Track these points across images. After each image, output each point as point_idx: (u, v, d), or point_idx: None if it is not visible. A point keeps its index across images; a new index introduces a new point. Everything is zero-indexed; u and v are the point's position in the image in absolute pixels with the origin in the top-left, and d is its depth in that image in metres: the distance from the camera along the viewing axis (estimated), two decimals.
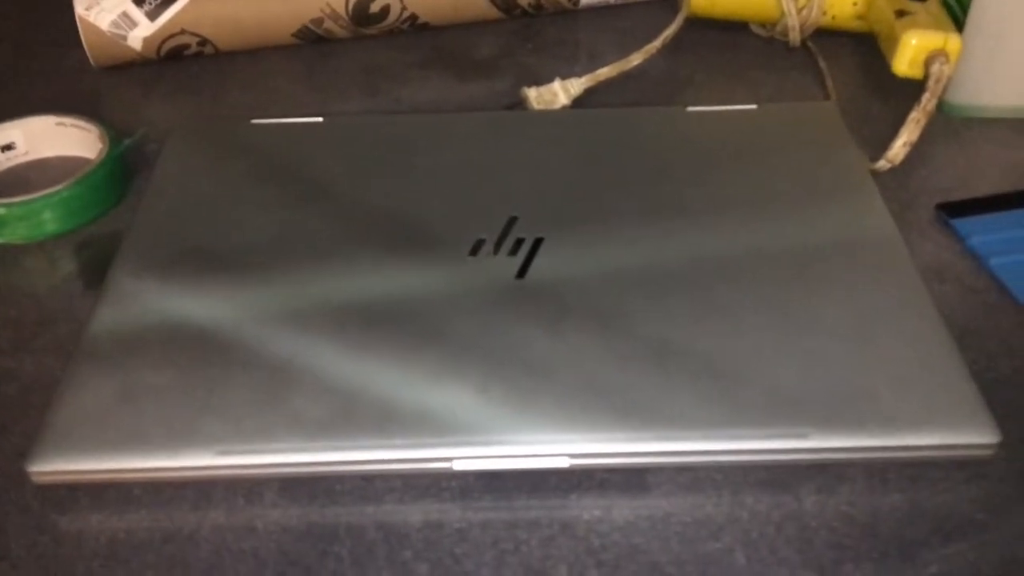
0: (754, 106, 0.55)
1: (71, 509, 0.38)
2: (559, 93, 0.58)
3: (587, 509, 0.38)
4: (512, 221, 0.47)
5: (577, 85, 0.58)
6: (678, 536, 0.37)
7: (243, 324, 0.42)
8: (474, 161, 0.51)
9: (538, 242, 0.45)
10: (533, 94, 0.58)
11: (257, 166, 0.51)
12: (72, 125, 0.54)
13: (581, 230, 0.46)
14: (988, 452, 0.38)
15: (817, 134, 0.53)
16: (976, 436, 0.38)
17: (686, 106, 0.55)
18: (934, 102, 0.53)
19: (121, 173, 0.53)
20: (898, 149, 0.53)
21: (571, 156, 0.51)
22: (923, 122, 0.53)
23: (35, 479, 0.37)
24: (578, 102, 0.59)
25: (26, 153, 0.55)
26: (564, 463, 0.37)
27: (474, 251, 0.45)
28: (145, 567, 0.36)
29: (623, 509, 0.38)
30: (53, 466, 0.37)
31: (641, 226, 0.47)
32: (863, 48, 0.63)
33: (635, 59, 0.59)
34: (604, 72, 0.58)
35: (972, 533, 0.37)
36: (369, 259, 0.45)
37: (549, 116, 0.57)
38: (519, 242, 0.45)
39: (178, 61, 0.63)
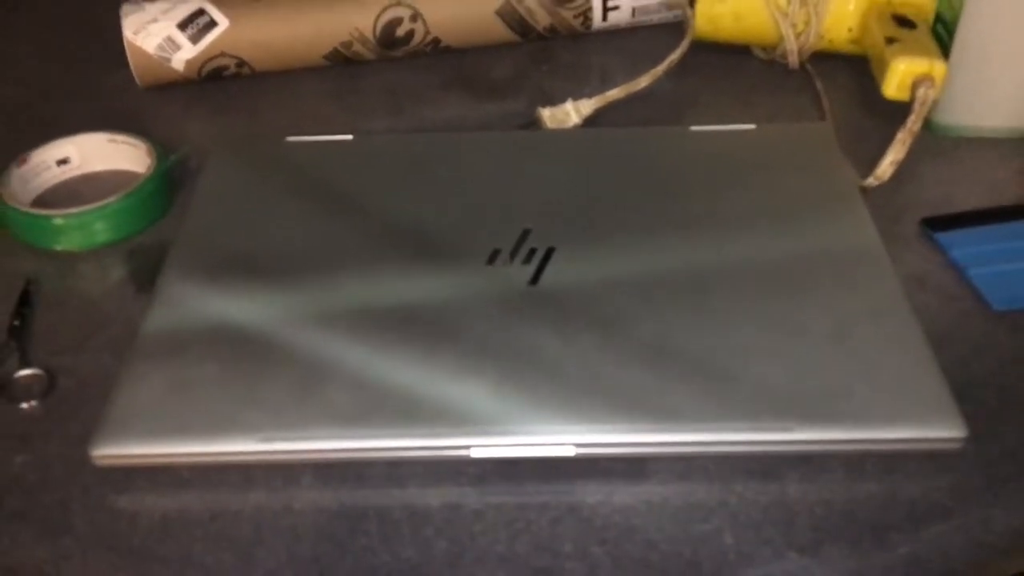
0: (753, 126, 0.59)
1: (127, 489, 0.42)
2: (571, 113, 0.62)
3: (591, 494, 0.42)
4: (526, 233, 0.51)
5: (588, 106, 0.62)
6: (672, 518, 0.41)
7: (281, 325, 0.46)
8: (491, 177, 0.55)
9: (550, 252, 0.49)
10: (547, 114, 0.62)
11: (292, 181, 0.55)
12: (123, 142, 0.58)
13: (590, 241, 0.50)
14: (956, 445, 0.42)
15: (811, 153, 0.57)
16: (945, 430, 0.41)
17: (689, 126, 0.59)
18: (919, 124, 0.57)
19: (167, 187, 0.57)
20: (885, 167, 0.57)
21: (581, 173, 0.55)
22: (908, 142, 0.57)
23: (96, 462, 0.42)
24: (589, 121, 0.63)
25: (79, 167, 0.59)
26: (570, 452, 0.41)
27: (491, 260, 0.49)
28: (194, 541, 0.40)
29: (623, 494, 0.42)
30: (113, 450, 0.41)
31: (644, 238, 0.51)
32: (859, 70, 0.67)
33: (642, 81, 0.63)
34: (613, 94, 0.63)
35: (941, 519, 0.40)
36: (395, 267, 0.49)
37: (561, 135, 0.61)
38: (532, 252, 0.49)
39: (217, 81, 0.68)
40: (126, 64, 0.66)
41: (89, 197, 0.55)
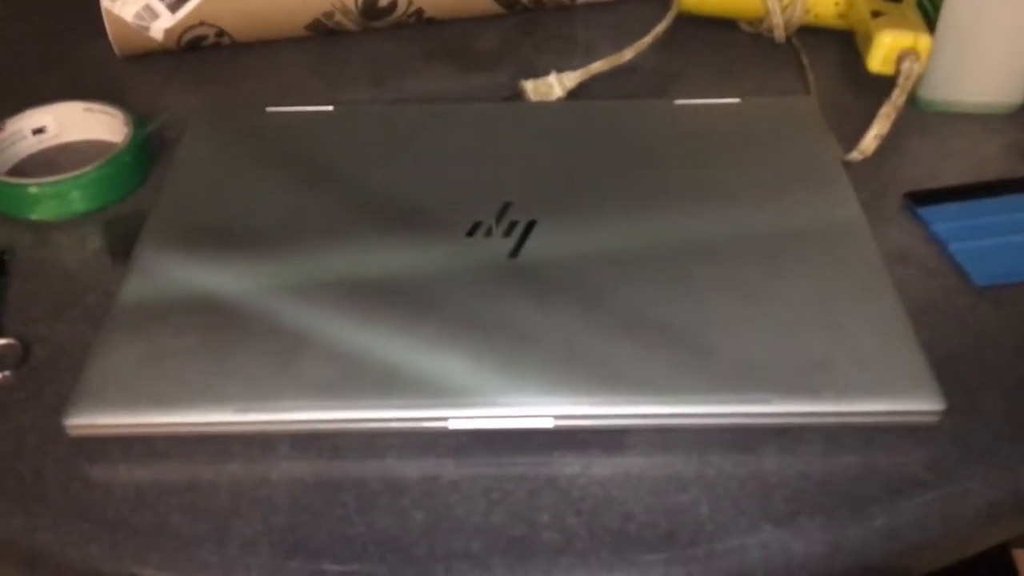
0: (737, 100, 0.58)
1: (101, 459, 0.42)
2: (554, 85, 0.61)
3: (569, 465, 0.41)
4: (507, 205, 0.50)
5: (572, 78, 0.62)
6: (650, 490, 0.40)
7: (258, 296, 0.46)
8: (473, 149, 0.55)
9: (531, 225, 0.49)
10: (530, 86, 0.61)
11: (272, 151, 0.55)
12: (99, 111, 0.58)
13: (571, 214, 0.50)
14: (934, 419, 0.42)
15: (795, 127, 0.57)
16: (923, 403, 0.41)
17: (674, 99, 0.58)
18: (904, 98, 0.57)
19: (145, 156, 0.57)
20: (869, 141, 0.56)
21: (564, 146, 0.55)
22: (893, 116, 0.56)
23: (70, 432, 0.41)
24: (572, 94, 0.62)
25: (56, 136, 0.59)
26: (549, 424, 0.41)
27: (471, 232, 0.49)
28: (170, 511, 0.40)
29: (602, 466, 0.41)
30: (86, 420, 0.41)
31: (626, 211, 0.50)
32: (845, 45, 0.66)
33: (627, 54, 0.62)
34: (597, 66, 0.62)
35: (918, 491, 0.40)
36: (374, 238, 0.49)
37: (544, 108, 0.61)
38: (513, 224, 0.49)
39: (196, 51, 0.67)
40: (104, 34, 0.65)
41: (66, 167, 0.54)
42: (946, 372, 0.44)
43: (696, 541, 0.39)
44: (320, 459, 0.42)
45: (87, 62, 0.68)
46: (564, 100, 0.62)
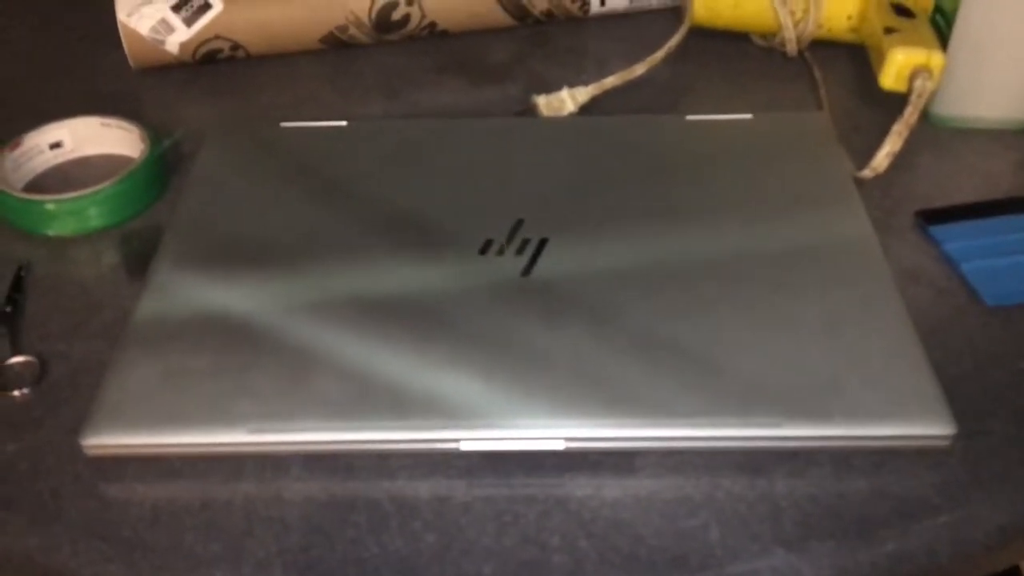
0: (749, 116, 0.58)
1: (118, 479, 0.42)
2: (567, 100, 0.62)
3: (580, 487, 0.42)
4: (519, 223, 0.51)
5: (584, 93, 0.62)
6: (660, 513, 0.41)
7: (271, 313, 0.46)
8: (485, 165, 0.55)
9: (543, 243, 0.49)
10: (543, 101, 0.62)
11: (286, 167, 0.55)
12: (116, 126, 0.58)
13: (583, 232, 0.50)
14: (945, 443, 0.42)
15: (807, 143, 0.57)
16: (934, 428, 0.41)
17: (685, 114, 0.59)
18: (916, 116, 0.57)
19: (161, 171, 0.57)
20: (881, 159, 0.56)
21: (576, 162, 0.55)
22: (905, 134, 0.56)
23: (87, 451, 0.42)
24: (585, 108, 0.63)
25: (72, 151, 0.59)
26: (560, 445, 0.42)
27: (483, 250, 0.49)
28: (184, 530, 0.40)
29: (612, 488, 0.42)
30: (104, 440, 0.42)
31: (638, 228, 0.51)
32: (858, 59, 0.66)
33: (639, 69, 0.63)
34: (610, 81, 0.62)
35: (928, 515, 0.41)
36: (387, 256, 0.49)
37: (556, 123, 0.61)
38: (525, 242, 0.49)
39: (211, 64, 0.67)
40: (120, 45, 0.66)
41: (82, 181, 0.55)
42: (956, 394, 0.44)
43: (706, 565, 0.39)
44: (333, 480, 0.42)
45: (102, 74, 0.68)
46: (576, 115, 0.62)
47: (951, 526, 0.40)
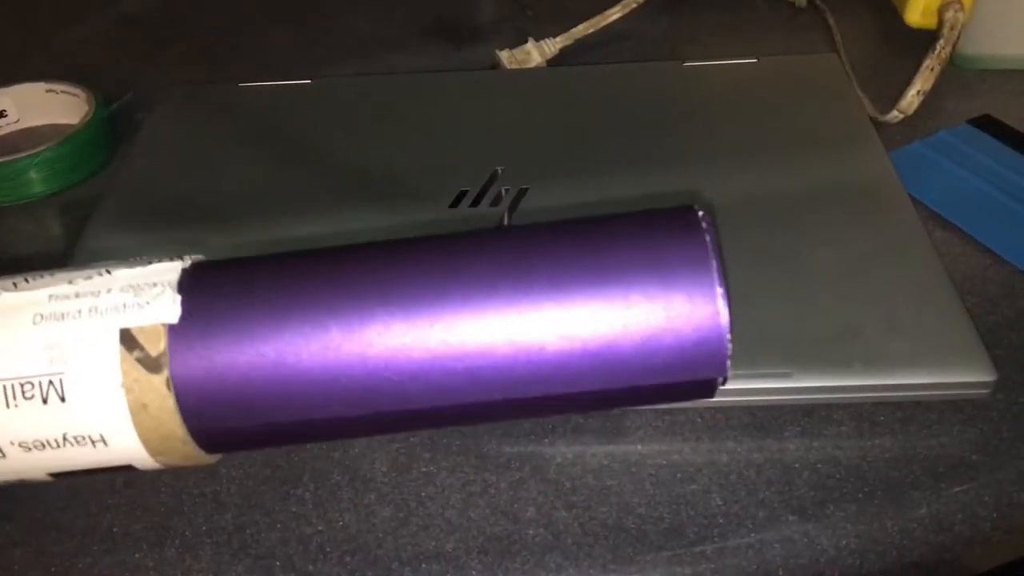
0: (754, 60, 0.53)
1: None
2: (532, 53, 0.56)
3: (559, 453, 0.36)
4: (494, 175, 0.45)
5: (552, 45, 0.57)
6: (652, 479, 0.35)
7: None
8: (458, 119, 0.50)
9: (522, 193, 0.44)
10: (505, 55, 0.56)
11: (244, 127, 0.50)
12: (62, 91, 0.54)
13: (569, 182, 0.45)
14: (984, 392, 0.36)
15: (819, 86, 0.51)
16: (971, 374, 0.35)
17: (683, 61, 0.53)
18: (948, 49, 0.51)
19: (108, 136, 0.53)
20: (911, 98, 0.51)
21: (559, 112, 0.50)
22: (937, 70, 0.51)
23: None
24: (557, 63, 0.57)
25: (17, 121, 0.55)
26: None
27: (455, 203, 0.44)
28: (104, 510, 0.35)
29: (597, 454, 0.36)
30: None
31: (633, 176, 0.45)
32: (873, 6, 0.61)
33: (613, 14, 0.57)
34: (579, 30, 0.57)
35: (966, 475, 0.35)
36: (352, 212, 0.44)
37: (536, 74, 0.56)
38: (502, 193, 0.44)
39: (176, 34, 0.63)
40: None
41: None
42: (994, 341, 0.38)
43: (706, 536, 0.33)
44: (277, 451, 0.37)
45: (61, 47, 0.64)
46: (560, 66, 0.57)
47: (994, 487, 0.34)
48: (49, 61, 0.63)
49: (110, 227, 0.44)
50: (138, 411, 0.27)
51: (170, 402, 0.27)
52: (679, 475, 0.35)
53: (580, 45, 0.58)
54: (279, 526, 0.34)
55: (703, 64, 0.53)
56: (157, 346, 0.27)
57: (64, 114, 0.54)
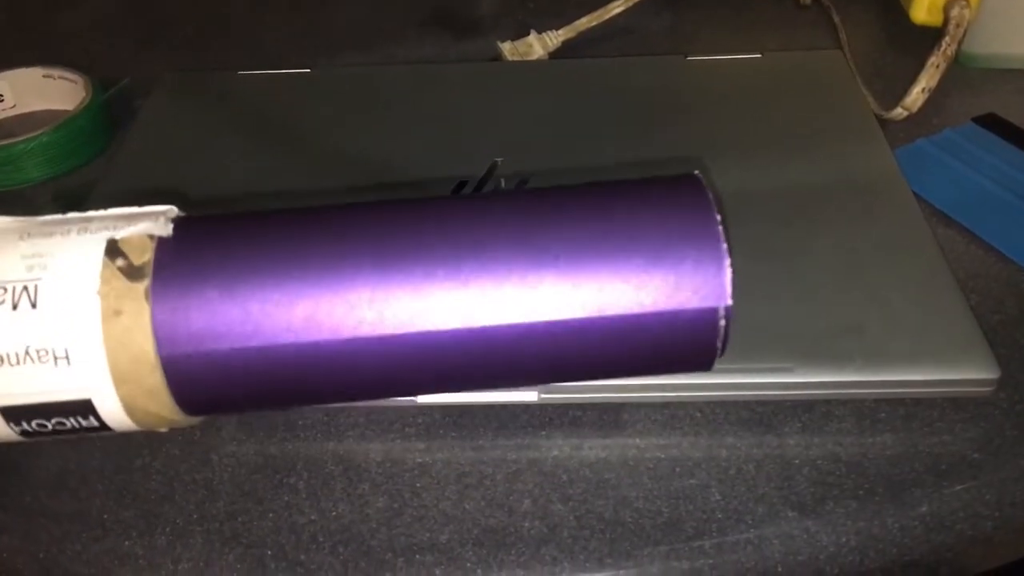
0: (758, 55, 0.53)
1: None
2: (534, 45, 0.56)
3: (556, 446, 0.36)
4: (494, 165, 0.45)
5: (555, 38, 0.56)
6: (650, 473, 0.35)
7: None
8: (458, 110, 0.49)
9: (522, 183, 0.44)
10: (507, 47, 0.56)
11: (242, 115, 0.50)
12: (59, 77, 0.53)
13: (571, 173, 0.45)
14: (987, 390, 0.35)
15: (823, 81, 0.51)
16: (974, 371, 0.35)
17: (686, 56, 0.53)
18: (954, 47, 0.51)
19: (105, 122, 0.52)
20: (916, 95, 0.50)
21: (561, 104, 0.49)
22: (942, 68, 0.50)
23: None
24: (559, 55, 0.57)
25: (14, 106, 0.54)
26: (532, 397, 0.36)
27: (455, 192, 0.44)
28: (93, 496, 0.35)
29: (595, 446, 0.36)
30: None
31: (631, 169, 0.45)
32: (877, 2, 0.61)
33: (616, 7, 0.56)
34: (582, 23, 0.56)
35: (968, 474, 0.34)
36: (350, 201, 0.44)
37: (537, 66, 0.55)
38: (501, 183, 0.44)
39: (175, 22, 0.63)
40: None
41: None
42: (998, 339, 0.38)
43: (704, 532, 0.33)
44: (271, 440, 0.36)
45: (57, 32, 0.64)
46: (562, 59, 0.56)
47: (996, 487, 0.34)
48: (46, 46, 0.63)
49: None
50: (110, 318, 0.26)
51: (145, 314, 0.26)
52: (678, 469, 0.35)
53: (582, 38, 0.57)
54: (271, 515, 0.34)
55: (706, 59, 0.52)
56: (142, 256, 0.26)
57: (61, 100, 0.54)
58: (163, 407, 0.27)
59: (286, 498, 0.34)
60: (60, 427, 0.27)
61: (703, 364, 0.29)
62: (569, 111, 0.49)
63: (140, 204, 0.30)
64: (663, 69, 0.52)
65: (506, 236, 0.27)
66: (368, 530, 0.33)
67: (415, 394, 0.32)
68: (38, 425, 0.27)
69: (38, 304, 0.26)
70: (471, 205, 0.29)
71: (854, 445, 0.35)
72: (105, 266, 0.26)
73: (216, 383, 0.27)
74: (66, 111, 0.52)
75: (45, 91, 0.54)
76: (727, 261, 0.27)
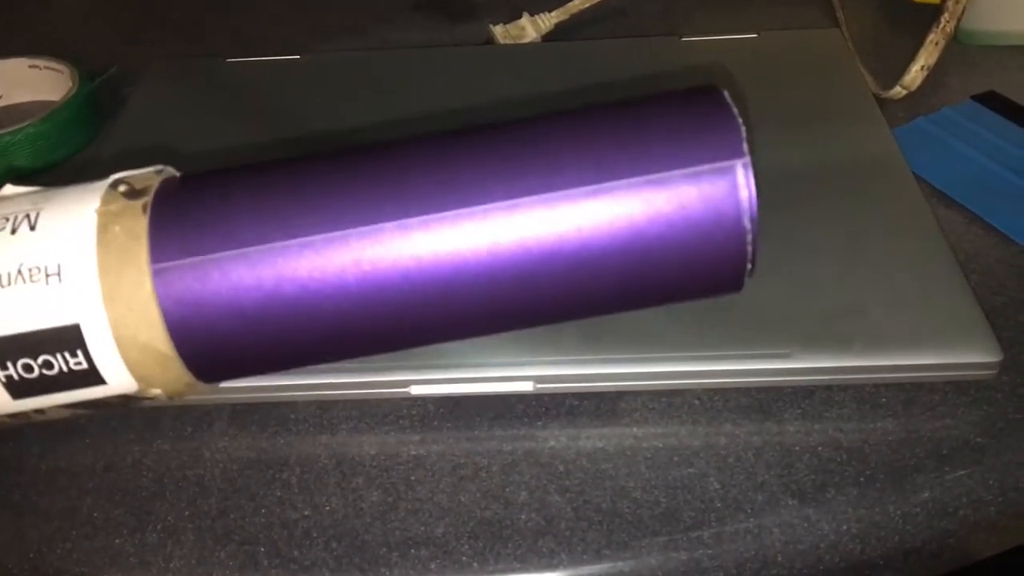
0: (754, 35, 0.52)
1: (10, 437, 0.36)
2: (527, 27, 0.55)
3: (553, 437, 0.35)
4: None
5: (548, 20, 0.55)
6: (648, 463, 0.34)
7: None
8: (451, 95, 0.49)
9: None
10: (499, 30, 0.55)
11: (232, 103, 0.49)
12: (45, 67, 0.52)
13: None
14: (989, 373, 0.35)
15: (820, 61, 0.50)
16: (976, 355, 0.34)
17: (681, 37, 0.52)
18: (953, 23, 0.50)
19: (92, 112, 0.51)
20: (915, 74, 0.49)
21: (554, 88, 0.49)
22: (941, 45, 0.49)
23: None
24: (552, 38, 0.56)
25: (0, 98, 0.54)
26: (528, 387, 0.35)
27: None
28: (83, 494, 0.34)
29: (591, 436, 0.35)
30: None
31: None
32: None
33: None
34: (575, 4, 0.55)
35: (971, 458, 0.34)
36: None
37: (531, 49, 0.54)
38: None
39: (163, 8, 0.62)
40: None
41: None
42: (1000, 321, 0.37)
43: (703, 521, 0.32)
44: (263, 435, 0.36)
45: (45, 23, 0.63)
46: (555, 42, 0.56)
47: (999, 471, 0.33)
48: (32, 36, 0.62)
49: None
50: (104, 230, 0.25)
51: (141, 224, 0.26)
52: (675, 458, 0.34)
53: (576, 20, 0.57)
54: (264, 511, 0.33)
55: (702, 40, 0.52)
56: (144, 183, 0.27)
57: (48, 90, 0.53)
58: (154, 329, 0.26)
59: (279, 493, 0.34)
60: (47, 370, 0.26)
61: (733, 248, 0.28)
62: (563, 94, 0.48)
63: None
64: (658, 51, 0.51)
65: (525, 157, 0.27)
66: (362, 524, 0.33)
67: (442, 339, 0.31)
68: (23, 368, 0.26)
69: (37, 227, 0.26)
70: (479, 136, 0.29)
71: (855, 431, 0.35)
72: (107, 191, 0.26)
73: (210, 301, 0.26)
74: (53, 101, 0.51)
75: (31, 82, 0.53)
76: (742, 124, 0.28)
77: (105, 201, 0.26)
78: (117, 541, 0.33)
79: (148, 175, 0.28)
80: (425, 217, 0.26)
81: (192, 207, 0.26)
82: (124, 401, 0.28)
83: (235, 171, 0.28)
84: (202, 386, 0.29)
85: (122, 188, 0.27)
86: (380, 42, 0.59)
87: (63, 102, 0.49)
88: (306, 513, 0.33)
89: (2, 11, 0.65)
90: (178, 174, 0.29)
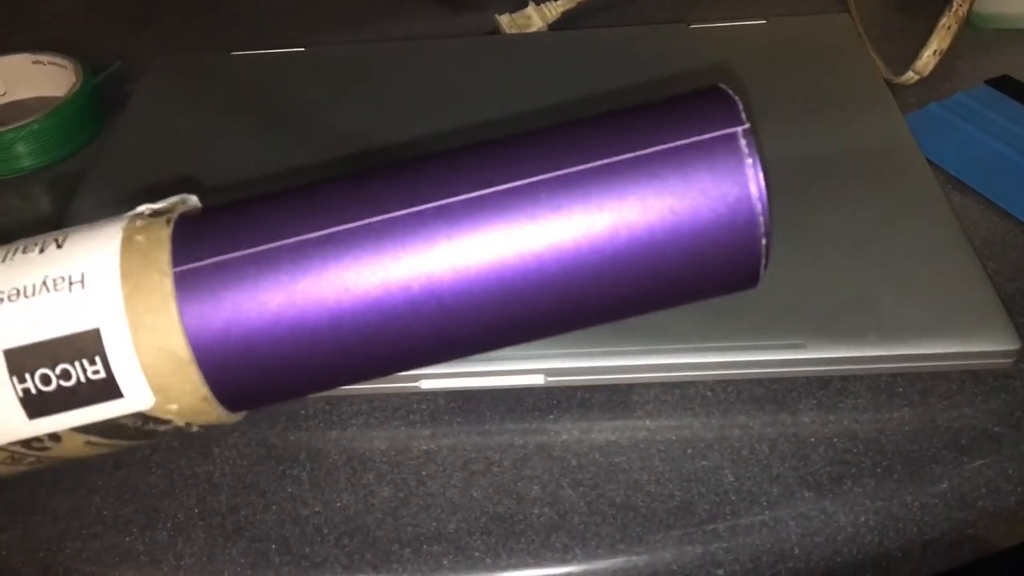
0: (763, 21, 0.51)
1: None
2: (533, 16, 0.54)
3: (565, 430, 0.35)
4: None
5: (554, 9, 0.55)
6: (662, 455, 0.34)
7: None
8: (457, 87, 0.48)
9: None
10: (505, 20, 0.55)
11: (236, 97, 0.49)
12: (49, 63, 0.52)
13: None
14: (1007, 361, 0.34)
15: (830, 46, 0.49)
16: (993, 343, 0.34)
17: (689, 24, 0.52)
18: (966, 7, 0.49)
19: (97, 107, 0.51)
20: (927, 59, 0.49)
21: (561, 77, 0.48)
22: (954, 29, 0.49)
23: None
24: (559, 27, 0.56)
25: (4, 94, 0.53)
26: (539, 380, 0.35)
27: None
28: (92, 492, 0.34)
29: (604, 429, 0.35)
30: None
31: None
32: None
33: None
34: None
35: (989, 448, 0.33)
36: None
37: (536, 38, 0.54)
38: None
39: (166, 3, 0.61)
40: None
41: None
42: (1018, 308, 0.37)
43: (718, 514, 0.32)
44: (273, 431, 0.36)
45: (48, 19, 0.62)
46: (562, 30, 0.55)
47: (1019, 461, 0.33)
48: (36, 32, 0.61)
49: (99, 201, 0.43)
50: (130, 240, 0.26)
51: (165, 232, 0.27)
52: (689, 451, 0.34)
53: (582, 8, 0.56)
54: (274, 507, 0.33)
55: (710, 26, 0.51)
56: (169, 207, 0.28)
57: (52, 86, 0.53)
58: (172, 332, 0.26)
59: (289, 490, 0.34)
60: (65, 381, 0.26)
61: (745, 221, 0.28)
62: (570, 83, 0.47)
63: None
64: (665, 38, 0.51)
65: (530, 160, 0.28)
66: (374, 520, 0.32)
67: (470, 353, 0.30)
68: (41, 379, 0.26)
69: (64, 246, 0.27)
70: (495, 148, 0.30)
71: (871, 422, 0.34)
72: (132, 216, 0.28)
73: (229, 296, 0.26)
74: (57, 97, 0.51)
75: (35, 78, 0.53)
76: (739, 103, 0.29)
77: (131, 220, 0.27)
78: (127, 539, 0.32)
79: (173, 203, 0.29)
80: (454, 229, 0.27)
81: (216, 218, 0.27)
82: (140, 424, 0.28)
83: (258, 197, 0.28)
84: (219, 409, 0.28)
85: (147, 211, 0.28)
86: (383, 33, 0.58)
87: (67, 98, 0.49)
88: (317, 509, 0.33)
89: (5, 7, 0.65)
90: (200, 205, 0.29)
